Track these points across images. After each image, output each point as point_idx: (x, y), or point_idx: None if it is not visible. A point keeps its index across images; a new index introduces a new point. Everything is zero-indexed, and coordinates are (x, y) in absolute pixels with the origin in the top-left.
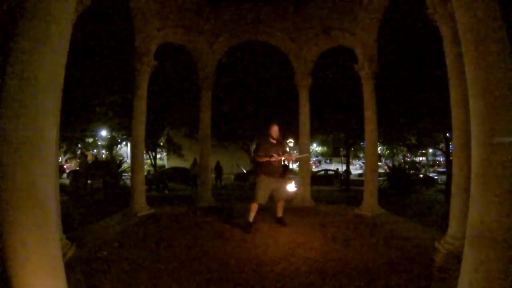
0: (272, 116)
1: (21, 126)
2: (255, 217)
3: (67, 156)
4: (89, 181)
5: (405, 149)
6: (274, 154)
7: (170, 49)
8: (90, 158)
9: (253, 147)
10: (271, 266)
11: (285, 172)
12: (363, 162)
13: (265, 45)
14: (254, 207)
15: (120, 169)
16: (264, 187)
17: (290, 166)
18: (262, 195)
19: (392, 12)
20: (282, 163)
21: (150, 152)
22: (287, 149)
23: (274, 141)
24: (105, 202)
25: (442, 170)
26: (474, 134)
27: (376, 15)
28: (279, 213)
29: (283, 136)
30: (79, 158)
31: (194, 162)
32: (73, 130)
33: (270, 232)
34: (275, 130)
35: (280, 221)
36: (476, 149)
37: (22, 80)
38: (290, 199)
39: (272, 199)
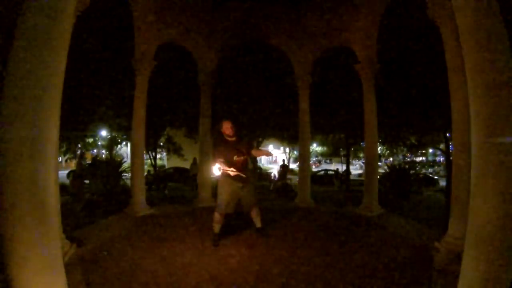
0: (271, 116)
1: (21, 126)
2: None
3: (67, 156)
4: (86, 181)
5: (405, 149)
6: (235, 157)
7: (170, 49)
8: (90, 158)
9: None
10: (270, 267)
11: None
12: (363, 162)
13: (265, 45)
14: (218, 217)
15: (120, 169)
16: (228, 193)
17: (290, 166)
18: (226, 203)
19: (392, 12)
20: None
21: (150, 152)
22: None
23: (232, 140)
24: (105, 202)
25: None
26: (474, 134)
27: (376, 15)
28: (257, 224)
29: (243, 134)
30: (79, 158)
31: (194, 162)
32: (73, 130)
33: (270, 232)
34: (227, 127)
35: (260, 232)
36: (476, 149)
37: (23, 80)
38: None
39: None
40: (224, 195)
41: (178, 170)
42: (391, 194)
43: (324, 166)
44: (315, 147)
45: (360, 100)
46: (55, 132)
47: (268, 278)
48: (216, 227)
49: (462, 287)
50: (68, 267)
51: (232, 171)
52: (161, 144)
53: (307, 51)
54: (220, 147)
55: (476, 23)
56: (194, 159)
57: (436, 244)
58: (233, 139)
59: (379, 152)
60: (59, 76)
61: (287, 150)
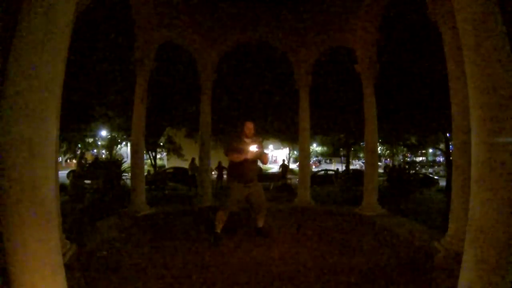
0: (271, 116)
1: (21, 126)
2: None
3: (67, 156)
4: (86, 181)
5: (405, 149)
6: (245, 150)
7: (170, 49)
8: (90, 158)
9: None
10: (270, 267)
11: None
12: (363, 162)
13: (265, 45)
14: (221, 215)
15: (120, 169)
16: (237, 194)
17: (290, 166)
18: (233, 202)
19: (392, 12)
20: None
21: (150, 152)
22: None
23: (249, 141)
24: (105, 202)
25: None
26: (474, 134)
27: (376, 15)
28: (259, 223)
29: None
30: (79, 159)
31: (192, 162)
32: (73, 130)
33: (270, 232)
34: (249, 128)
35: (260, 233)
36: (476, 149)
37: (23, 80)
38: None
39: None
40: (233, 196)
41: (178, 170)
42: (391, 194)
43: (324, 166)
44: (315, 147)
45: (360, 100)
46: (55, 132)
47: (268, 278)
48: (219, 226)
49: (462, 287)
50: (68, 267)
51: (246, 154)
52: (161, 144)
53: (307, 51)
54: (235, 143)
55: (476, 23)
56: (193, 159)
57: (436, 244)
58: (249, 140)
59: (379, 152)
60: (59, 76)
61: (287, 150)
